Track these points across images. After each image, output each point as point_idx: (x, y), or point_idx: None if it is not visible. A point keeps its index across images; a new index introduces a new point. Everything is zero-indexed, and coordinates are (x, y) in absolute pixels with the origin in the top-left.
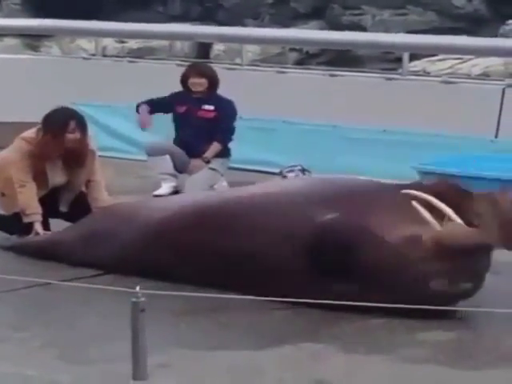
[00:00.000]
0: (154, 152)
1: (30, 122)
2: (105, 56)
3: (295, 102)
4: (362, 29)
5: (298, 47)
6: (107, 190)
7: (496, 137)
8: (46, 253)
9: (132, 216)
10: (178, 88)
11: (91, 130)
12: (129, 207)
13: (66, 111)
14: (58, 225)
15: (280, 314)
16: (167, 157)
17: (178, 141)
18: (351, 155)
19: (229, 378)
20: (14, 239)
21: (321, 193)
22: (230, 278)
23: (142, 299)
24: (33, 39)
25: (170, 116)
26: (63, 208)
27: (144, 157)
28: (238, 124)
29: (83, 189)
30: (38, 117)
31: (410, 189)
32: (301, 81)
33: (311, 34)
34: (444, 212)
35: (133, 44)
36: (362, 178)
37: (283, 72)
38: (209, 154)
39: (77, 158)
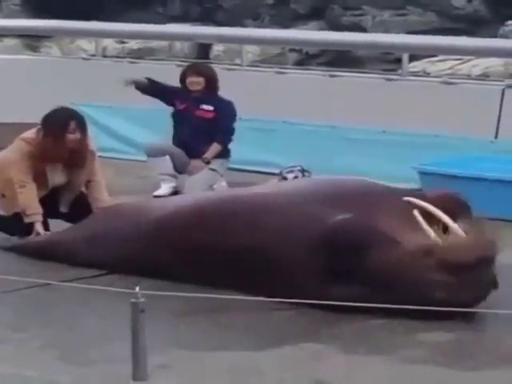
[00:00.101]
0: (153, 153)
1: (29, 122)
2: (105, 56)
3: (295, 102)
4: (362, 29)
5: (297, 48)
6: (107, 190)
7: (496, 137)
8: (46, 253)
9: (133, 216)
10: None
11: (91, 130)
12: (129, 207)
13: (66, 111)
14: (57, 225)
15: (280, 314)
16: (167, 157)
17: (176, 139)
18: (351, 156)
19: (229, 378)
20: (15, 240)
21: (331, 194)
22: (236, 279)
23: (142, 300)
24: (32, 40)
25: (169, 117)
26: (63, 208)
27: (144, 157)
28: (237, 124)
29: (83, 189)
30: (37, 117)
31: (413, 197)
32: (301, 81)
33: (311, 34)
34: (446, 224)
35: (133, 44)
36: (364, 179)
37: (283, 73)
38: (209, 154)
39: (77, 158)
